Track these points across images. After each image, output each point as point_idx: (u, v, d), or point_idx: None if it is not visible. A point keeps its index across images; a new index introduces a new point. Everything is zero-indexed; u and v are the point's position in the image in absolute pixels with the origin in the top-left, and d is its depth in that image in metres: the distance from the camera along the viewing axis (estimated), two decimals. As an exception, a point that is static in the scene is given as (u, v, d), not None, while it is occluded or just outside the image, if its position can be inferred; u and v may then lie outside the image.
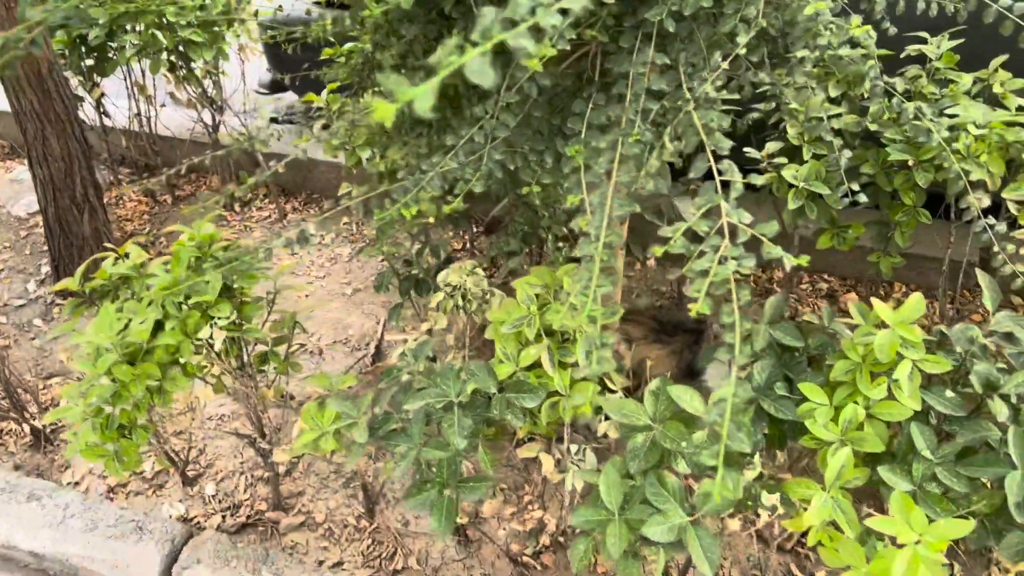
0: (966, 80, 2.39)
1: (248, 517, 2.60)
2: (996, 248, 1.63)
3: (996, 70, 2.43)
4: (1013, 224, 2.15)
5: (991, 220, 1.66)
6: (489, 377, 1.65)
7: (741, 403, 1.65)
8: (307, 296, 3.38)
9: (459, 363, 1.65)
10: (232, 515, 2.62)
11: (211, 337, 1.99)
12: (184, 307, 1.97)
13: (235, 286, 2.08)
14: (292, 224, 3.88)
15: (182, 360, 1.99)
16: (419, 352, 1.72)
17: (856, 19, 1.81)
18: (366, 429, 1.63)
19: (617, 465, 1.59)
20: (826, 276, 3.25)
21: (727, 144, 1.16)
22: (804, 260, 1.17)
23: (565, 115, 1.37)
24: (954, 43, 2.41)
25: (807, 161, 2.40)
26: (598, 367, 1.26)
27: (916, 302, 1.61)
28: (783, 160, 2.38)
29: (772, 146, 2.43)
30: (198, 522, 2.60)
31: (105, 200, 3.39)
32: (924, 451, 1.55)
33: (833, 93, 2.37)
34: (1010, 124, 2.15)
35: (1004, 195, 2.11)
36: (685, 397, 1.59)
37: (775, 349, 1.78)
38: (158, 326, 1.97)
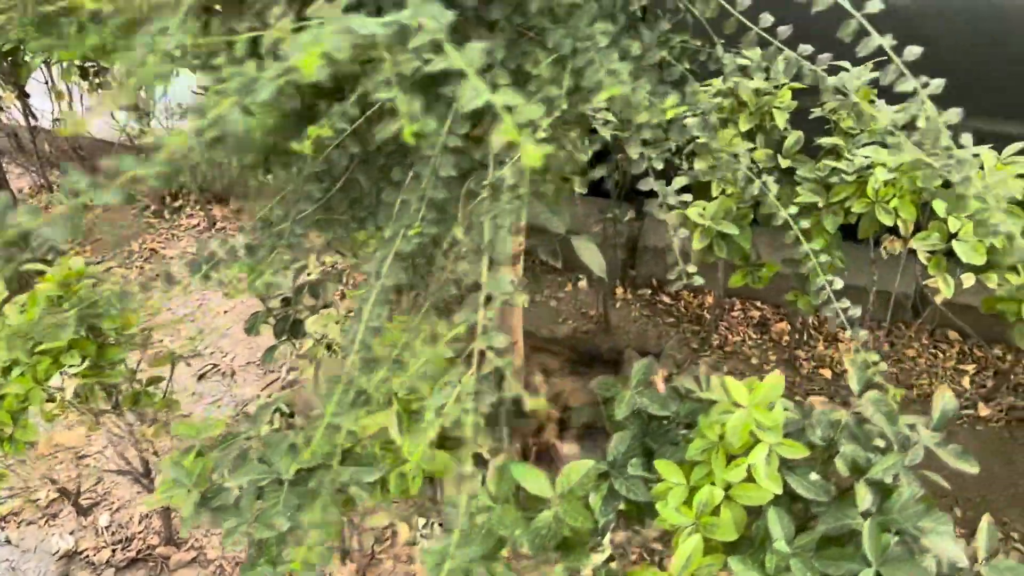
0: (885, 116, 2.26)
1: (139, 552, 2.51)
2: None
3: (924, 101, 2.30)
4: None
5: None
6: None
7: (590, 481, 1.54)
8: (226, 312, 3.28)
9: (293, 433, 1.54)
10: (123, 549, 2.54)
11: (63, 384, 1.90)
12: (34, 353, 1.87)
13: (103, 326, 1.98)
14: (218, 234, 3.76)
15: (33, 408, 1.89)
16: (260, 416, 1.62)
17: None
18: (193, 503, 1.53)
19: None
20: (758, 303, 3.14)
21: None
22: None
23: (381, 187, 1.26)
24: (874, 75, 2.28)
25: (716, 198, 2.28)
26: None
27: (774, 382, 1.50)
28: (687, 198, 2.25)
29: (680, 181, 2.30)
30: (87, 555, 2.52)
31: (32, 203, 3.28)
32: (778, 540, 1.45)
33: (744, 127, 2.25)
34: (918, 167, 2.03)
35: (913, 243, 1.99)
36: (529, 477, 1.49)
37: (642, 417, 1.68)
38: (7, 370, 1.87)
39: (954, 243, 1.93)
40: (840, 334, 3.01)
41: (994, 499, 2.46)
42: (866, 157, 2.06)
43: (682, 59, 1.50)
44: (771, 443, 1.47)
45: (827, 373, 2.89)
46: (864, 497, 1.46)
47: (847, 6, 1.19)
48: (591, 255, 2.24)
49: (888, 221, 2.04)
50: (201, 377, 2.99)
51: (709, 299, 3.17)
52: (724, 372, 2.92)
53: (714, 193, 2.28)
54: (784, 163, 2.23)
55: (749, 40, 1.37)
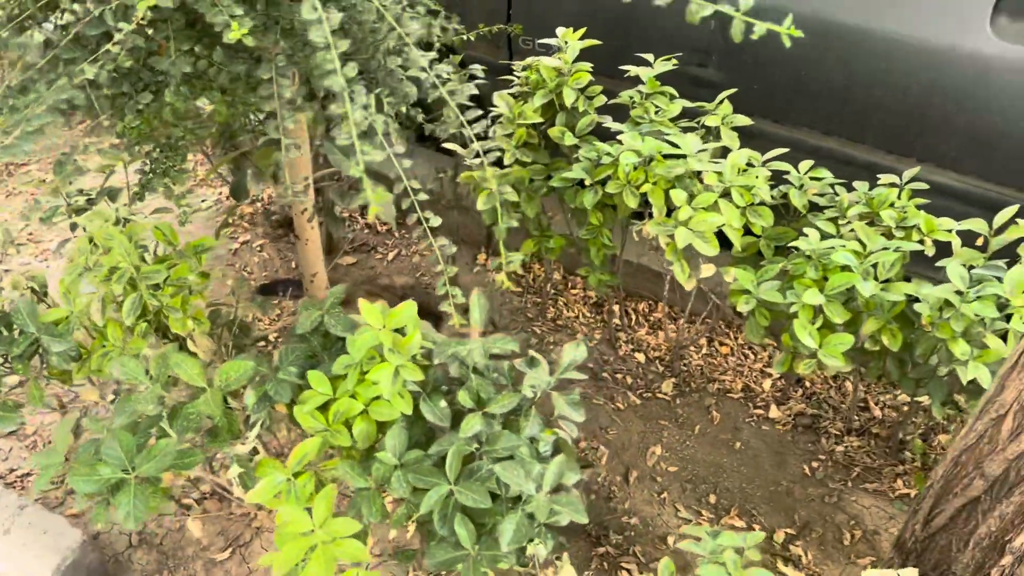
0: (674, 108, 2.38)
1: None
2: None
3: (721, 102, 2.42)
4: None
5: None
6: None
7: (246, 379, 1.71)
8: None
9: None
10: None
11: None
12: None
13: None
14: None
15: None
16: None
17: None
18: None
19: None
20: (598, 285, 3.27)
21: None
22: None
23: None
24: (665, 68, 2.40)
25: (508, 167, 2.42)
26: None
27: (407, 309, 1.65)
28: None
29: (477, 146, 2.45)
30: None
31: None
32: (383, 453, 1.61)
33: (539, 101, 2.38)
34: (672, 157, 2.15)
35: (649, 227, 2.12)
36: (184, 365, 1.67)
37: (329, 336, 1.84)
38: None
39: (679, 231, 2.06)
40: (665, 324, 3.13)
41: (752, 492, 2.57)
42: (621, 143, 2.19)
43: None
44: (396, 363, 1.62)
45: (640, 357, 3.01)
46: (470, 426, 1.61)
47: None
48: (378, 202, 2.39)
49: (633, 204, 2.17)
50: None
51: (557, 275, 3.31)
52: (549, 343, 3.06)
53: (506, 161, 2.42)
54: (569, 140, 2.36)
55: None
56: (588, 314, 3.20)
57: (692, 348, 3.04)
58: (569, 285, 3.29)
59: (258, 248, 3.46)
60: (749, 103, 2.74)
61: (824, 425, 2.77)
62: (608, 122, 2.41)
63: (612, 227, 2.44)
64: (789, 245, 2.10)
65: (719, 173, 2.09)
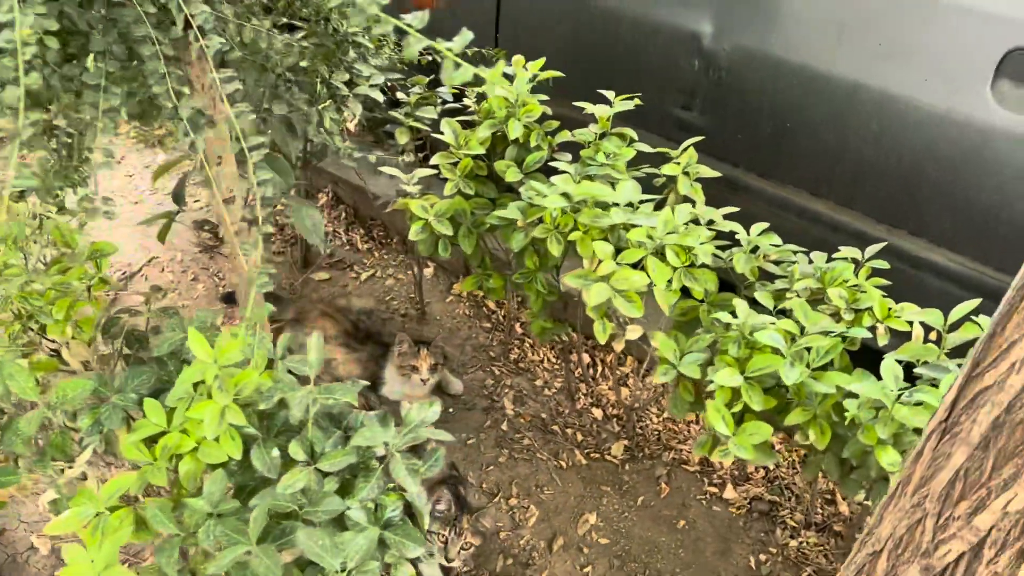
0: (627, 152, 2.19)
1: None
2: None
3: (685, 150, 2.21)
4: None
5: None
6: None
7: (81, 400, 1.61)
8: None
9: None
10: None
11: None
12: None
13: None
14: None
15: None
16: None
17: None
18: None
19: None
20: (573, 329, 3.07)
21: None
22: None
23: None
24: (623, 107, 2.21)
25: (451, 196, 2.27)
26: None
27: (233, 344, 1.52)
28: (414, 189, 2.26)
29: (421, 172, 2.31)
30: None
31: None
32: (196, 500, 1.47)
33: (483, 132, 2.23)
34: (603, 205, 1.96)
35: (567, 278, 1.93)
36: (18, 376, 1.58)
37: (187, 362, 1.73)
38: None
39: (596, 287, 1.86)
40: (630, 380, 2.91)
41: (685, 578, 2.34)
42: (552, 185, 2.01)
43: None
44: (222, 403, 1.49)
45: (598, 413, 2.80)
46: (291, 481, 1.46)
47: None
48: (306, 220, 2.28)
49: (556, 251, 1.99)
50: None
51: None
52: (506, 386, 2.89)
53: (447, 191, 2.27)
54: (512, 176, 2.19)
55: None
56: (553, 359, 3.00)
57: (654, 410, 2.81)
58: (556, 334, 3.10)
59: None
60: (734, 153, 2.52)
61: (782, 515, 2.50)
62: (560, 161, 2.23)
63: (548, 272, 2.25)
64: (712, 317, 1.88)
65: (650, 228, 1.89)
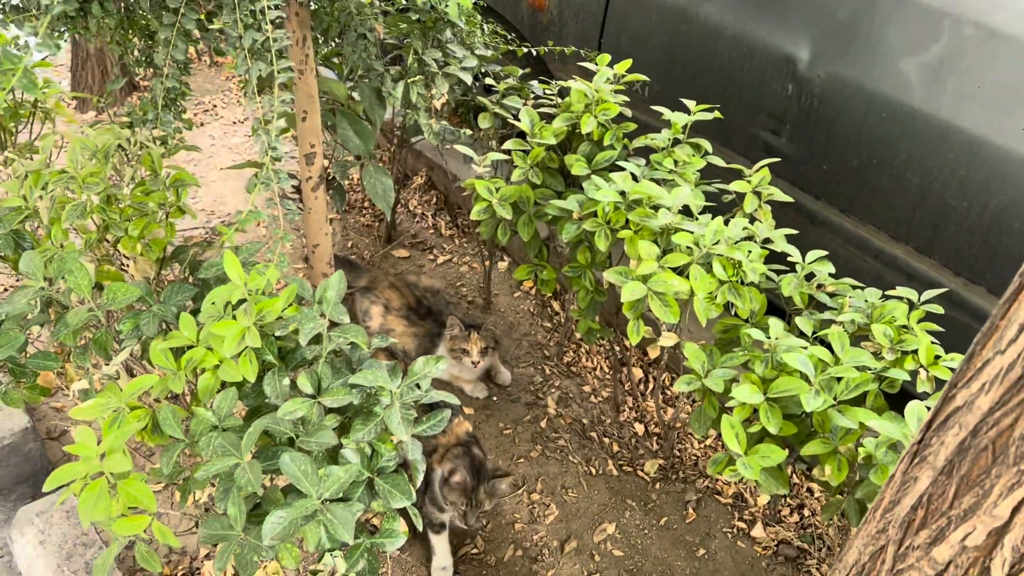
0: (697, 161, 2.16)
1: None
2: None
3: (759, 169, 2.16)
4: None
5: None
6: None
7: (129, 302, 1.73)
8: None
9: None
10: None
11: None
12: None
13: None
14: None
15: None
16: None
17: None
18: None
19: None
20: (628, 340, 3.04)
21: None
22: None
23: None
24: (699, 117, 2.18)
25: (519, 183, 2.31)
26: None
27: (271, 271, 1.59)
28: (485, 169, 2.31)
29: (494, 155, 2.36)
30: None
31: None
32: (202, 409, 1.56)
33: (559, 124, 2.26)
34: (658, 207, 1.94)
35: (607, 274, 1.92)
36: (76, 275, 1.72)
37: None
38: None
39: (631, 284, 1.84)
40: (679, 401, 2.84)
41: (695, 609, 2.27)
42: (613, 182, 2.01)
43: None
44: (245, 325, 1.57)
45: (639, 428, 2.76)
46: (290, 409, 1.53)
47: None
48: (377, 186, 2.36)
49: (603, 246, 1.99)
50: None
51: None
52: (552, 386, 2.89)
53: (514, 178, 2.31)
54: (578, 170, 2.21)
55: None
56: (606, 368, 2.98)
57: (697, 436, 2.73)
58: (601, 336, 3.08)
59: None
60: (817, 185, 2.45)
61: (808, 564, 2.38)
62: (631, 163, 2.23)
63: (599, 269, 2.25)
64: (745, 333, 1.82)
65: (699, 235, 1.86)
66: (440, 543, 2.23)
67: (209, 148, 4.14)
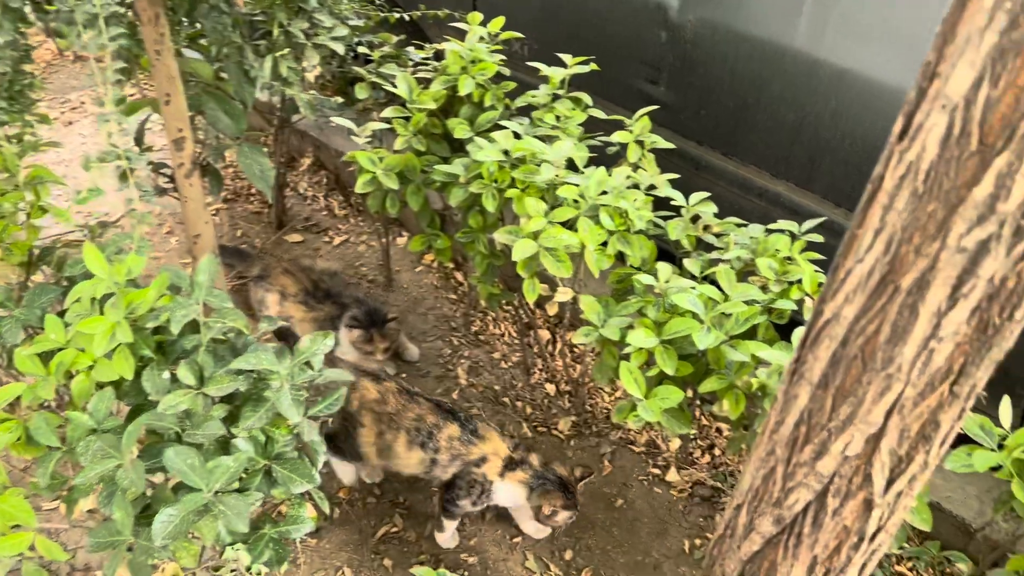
0: (578, 115, 2.15)
1: None
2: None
3: (639, 118, 2.17)
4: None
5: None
6: None
7: None
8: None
9: None
10: None
11: None
12: None
13: None
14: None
15: None
16: None
17: None
18: None
19: None
20: (540, 305, 3.04)
21: None
22: None
23: None
24: (576, 70, 2.18)
25: (402, 151, 2.25)
26: None
27: (136, 262, 1.50)
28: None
29: (374, 125, 2.29)
30: None
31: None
32: (77, 413, 1.47)
33: (437, 87, 2.21)
34: (540, 163, 1.93)
35: (497, 234, 1.90)
36: (-77, 284, 1.58)
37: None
38: None
39: (522, 242, 1.83)
40: (587, 358, 2.87)
41: (615, 559, 2.29)
42: (495, 142, 1.98)
43: None
44: (114, 320, 1.48)
45: (551, 388, 2.76)
46: (172, 402, 1.45)
47: None
48: (254, 167, 2.27)
49: (491, 207, 1.96)
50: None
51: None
52: (462, 356, 2.87)
53: (397, 146, 2.25)
54: (461, 133, 2.17)
55: None
56: (514, 333, 2.97)
57: (607, 389, 2.76)
58: (504, 300, 3.07)
59: (212, 212, 3.41)
60: (698, 130, 2.48)
61: (723, 502, 2.44)
62: (514, 122, 2.20)
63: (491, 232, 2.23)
64: (635, 279, 1.83)
65: (583, 187, 1.86)
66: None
67: (80, 147, 3.92)
